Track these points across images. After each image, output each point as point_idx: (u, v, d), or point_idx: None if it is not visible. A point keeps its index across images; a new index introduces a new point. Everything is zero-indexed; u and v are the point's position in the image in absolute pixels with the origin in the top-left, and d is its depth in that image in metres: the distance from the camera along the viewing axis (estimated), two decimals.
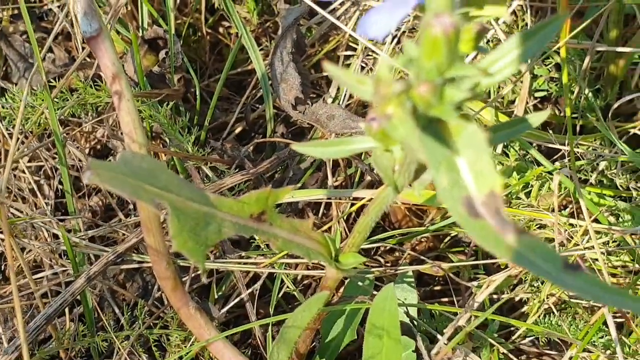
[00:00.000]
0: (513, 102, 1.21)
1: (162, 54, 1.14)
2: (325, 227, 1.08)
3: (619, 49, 1.13)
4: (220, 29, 1.36)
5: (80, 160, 1.11)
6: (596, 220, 1.03)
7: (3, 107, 1.13)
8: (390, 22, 0.57)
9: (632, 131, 1.17)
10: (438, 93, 0.49)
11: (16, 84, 1.22)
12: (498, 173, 0.50)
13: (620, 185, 1.10)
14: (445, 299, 1.12)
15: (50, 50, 1.23)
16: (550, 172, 1.06)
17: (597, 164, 1.12)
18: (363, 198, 1.05)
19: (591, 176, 1.12)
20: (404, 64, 0.51)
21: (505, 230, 0.49)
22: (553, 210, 1.02)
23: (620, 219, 1.08)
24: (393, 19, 0.58)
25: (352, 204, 1.11)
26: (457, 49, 0.49)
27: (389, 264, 1.15)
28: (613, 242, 1.04)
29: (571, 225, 1.04)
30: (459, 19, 0.47)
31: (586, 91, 1.18)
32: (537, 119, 0.65)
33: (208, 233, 0.68)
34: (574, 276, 0.48)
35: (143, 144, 0.85)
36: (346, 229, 1.12)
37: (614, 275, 1.06)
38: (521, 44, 0.53)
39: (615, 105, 1.15)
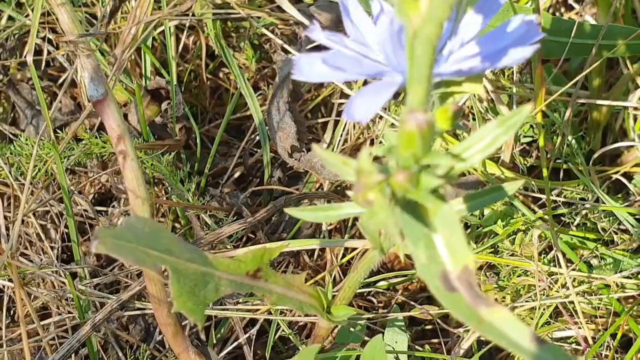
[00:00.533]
0: (500, 147, 1.26)
1: (164, 105, 1.19)
2: (318, 277, 1.13)
3: (599, 102, 1.18)
4: (221, 74, 1.41)
5: (85, 211, 1.16)
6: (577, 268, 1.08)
7: (11, 153, 1.18)
8: (373, 106, 0.62)
9: (614, 176, 1.22)
10: (414, 180, 0.53)
11: (24, 131, 1.27)
12: (471, 250, 0.54)
13: (602, 229, 1.15)
14: (436, 340, 1.16)
15: (56, 97, 1.28)
16: (532, 222, 1.11)
17: (580, 209, 1.16)
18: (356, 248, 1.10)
19: (574, 220, 1.17)
20: (384, 152, 0.56)
21: (478, 303, 0.53)
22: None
23: (603, 262, 1.13)
24: (376, 103, 0.62)
25: (346, 251, 1.16)
26: (431, 139, 0.54)
27: (381, 304, 1.19)
28: (594, 286, 1.08)
29: (552, 272, 1.08)
30: (432, 115, 0.52)
31: (570, 137, 1.22)
32: (511, 187, 0.70)
33: (206, 292, 0.72)
34: (542, 349, 0.52)
35: (145, 199, 0.90)
36: (340, 273, 1.17)
37: (594, 317, 1.10)
38: (494, 130, 0.58)
39: (599, 153, 1.20)
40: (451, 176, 0.56)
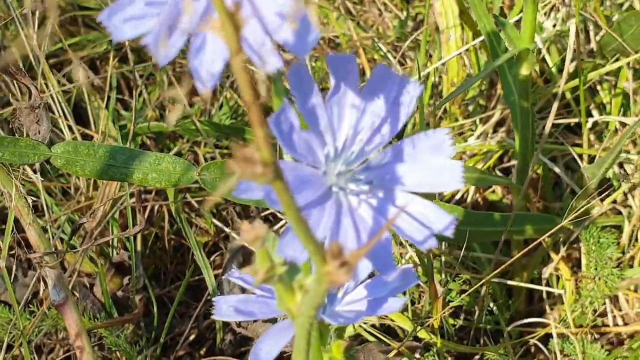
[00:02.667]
0: (429, 312, 1.38)
1: (126, 280, 1.32)
2: None
3: (510, 282, 1.32)
4: (183, 233, 1.54)
5: None
6: None
7: None
8: (276, 347, 0.75)
9: (532, 341, 1.34)
10: None
11: (1, 296, 1.39)
12: None
13: None
14: None
15: (31, 267, 1.41)
16: None
17: None
18: None
19: None
20: None
21: None
22: None
23: None
24: (279, 344, 0.75)
25: None
26: None
27: None
28: None
29: None
30: None
31: (491, 304, 1.36)
32: None
33: None
34: None
35: None
36: None
37: None
38: None
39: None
40: None
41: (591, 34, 1.44)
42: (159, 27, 0.51)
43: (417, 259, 1.32)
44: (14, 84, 1.52)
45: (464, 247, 1.21)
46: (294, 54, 0.54)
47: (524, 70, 1.14)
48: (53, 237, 1.23)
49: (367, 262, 0.68)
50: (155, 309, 1.36)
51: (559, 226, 1.18)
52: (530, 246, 1.22)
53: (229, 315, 0.78)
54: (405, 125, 0.73)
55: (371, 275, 0.81)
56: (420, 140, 0.69)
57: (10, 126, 1.47)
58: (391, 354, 1.20)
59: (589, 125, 1.40)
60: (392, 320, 1.34)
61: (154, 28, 0.52)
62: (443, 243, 1.35)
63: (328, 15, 1.71)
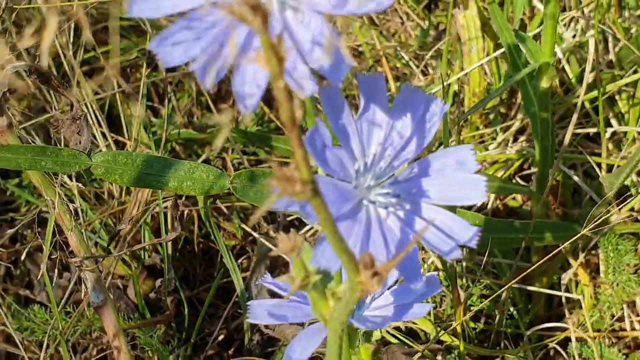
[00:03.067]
0: (450, 315, 1.42)
1: (158, 282, 1.37)
2: None
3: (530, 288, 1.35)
4: (212, 237, 1.59)
5: None
6: None
7: (25, 318, 1.35)
8: (309, 348, 0.79)
9: (551, 345, 1.37)
10: None
11: (37, 296, 1.44)
12: None
13: None
14: None
15: (66, 269, 1.46)
16: None
17: None
18: None
19: None
20: None
21: None
22: None
23: None
24: (312, 345, 0.79)
25: None
26: None
27: None
28: None
29: None
30: None
31: (511, 308, 1.39)
32: None
33: None
34: None
35: None
36: None
37: None
38: None
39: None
40: None
41: (610, 45, 1.47)
42: (207, 58, 0.55)
43: (439, 265, 1.36)
44: (48, 92, 1.57)
45: (486, 253, 1.24)
46: (329, 81, 0.58)
47: (544, 83, 1.17)
48: (90, 241, 1.28)
49: (395, 272, 0.71)
50: (185, 310, 1.40)
51: (579, 235, 1.22)
52: (551, 254, 1.25)
53: (263, 318, 0.82)
54: (431, 141, 0.77)
55: (396, 282, 0.85)
56: (445, 156, 0.73)
57: (50, 134, 1.54)
58: (415, 357, 1.24)
59: (607, 135, 1.43)
60: (414, 323, 1.38)
61: (201, 57, 0.56)
62: (464, 249, 1.38)
63: (351, 24, 1.75)
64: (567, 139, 1.26)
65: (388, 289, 0.84)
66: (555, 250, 1.25)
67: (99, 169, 1.02)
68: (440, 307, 1.42)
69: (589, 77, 1.32)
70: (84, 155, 1.01)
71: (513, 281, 1.26)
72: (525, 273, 1.23)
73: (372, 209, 0.69)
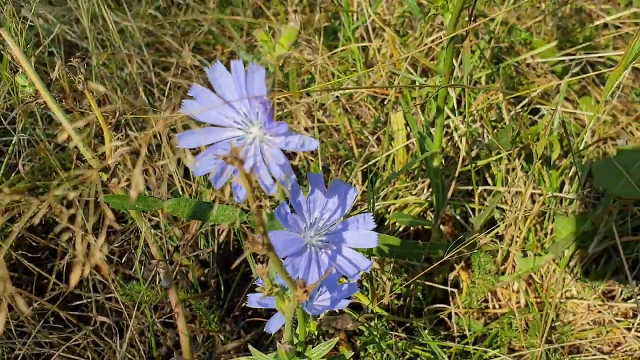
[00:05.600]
0: (381, 297, 1.51)
1: (206, 271, 1.48)
2: None
3: None
4: (241, 244, 1.69)
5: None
6: None
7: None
8: (278, 325, 0.89)
9: (441, 316, 1.46)
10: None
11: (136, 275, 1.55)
12: None
13: None
14: None
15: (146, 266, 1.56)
16: None
17: None
18: None
19: None
20: None
21: None
22: None
23: None
24: (280, 323, 0.89)
25: None
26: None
27: None
28: None
29: None
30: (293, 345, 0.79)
31: (419, 294, 1.48)
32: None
33: None
34: None
35: (186, 335, 1.17)
36: None
37: None
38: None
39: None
40: None
41: (485, 134, 1.57)
42: (217, 172, 0.67)
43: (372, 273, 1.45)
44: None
45: (402, 259, 1.33)
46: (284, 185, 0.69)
47: (435, 163, 1.28)
48: (169, 244, 1.39)
49: (323, 288, 0.82)
50: (222, 287, 1.51)
51: (456, 251, 1.31)
52: (442, 260, 1.34)
53: (254, 304, 0.93)
54: (350, 210, 0.87)
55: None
56: (357, 218, 0.83)
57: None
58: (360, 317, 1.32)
59: (478, 191, 1.52)
60: (359, 300, 1.47)
61: (215, 172, 0.67)
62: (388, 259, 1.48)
63: (334, 112, 1.85)
64: (450, 193, 1.36)
65: (325, 292, 0.94)
66: (445, 259, 1.33)
67: (170, 209, 1.14)
68: (377, 291, 1.51)
69: (472, 154, 1.41)
70: (160, 200, 1.12)
71: (419, 275, 1.35)
72: (426, 271, 1.31)
73: (313, 249, 0.80)
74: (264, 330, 0.89)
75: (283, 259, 0.76)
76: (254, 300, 0.92)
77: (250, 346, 0.89)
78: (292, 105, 1.82)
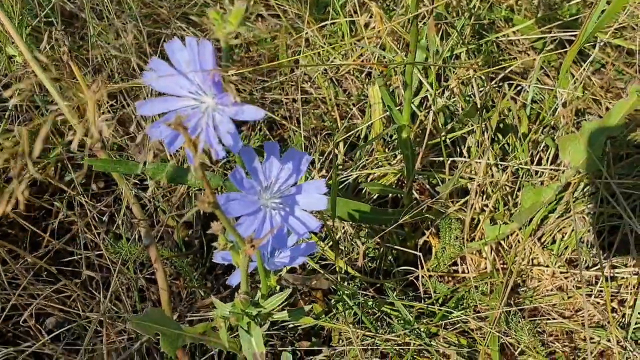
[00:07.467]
0: (356, 259, 1.58)
1: (190, 231, 1.55)
2: None
3: None
4: None
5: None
6: None
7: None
8: (237, 279, 0.96)
9: (410, 278, 1.53)
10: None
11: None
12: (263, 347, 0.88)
13: None
14: None
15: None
16: None
17: None
18: None
19: None
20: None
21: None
22: None
23: None
24: (238, 278, 0.97)
25: None
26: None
27: None
28: None
29: None
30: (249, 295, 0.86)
31: (390, 257, 1.55)
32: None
33: (178, 343, 1.06)
34: None
35: (165, 290, 1.25)
36: None
37: None
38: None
39: None
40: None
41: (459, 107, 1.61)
42: (171, 137, 0.73)
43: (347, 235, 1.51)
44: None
45: (379, 225, 1.38)
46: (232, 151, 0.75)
47: (404, 134, 1.32)
48: (154, 208, 1.46)
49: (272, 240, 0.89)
50: (205, 247, 1.58)
51: (424, 216, 1.36)
52: (411, 224, 1.39)
53: (219, 260, 0.99)
54: (303, 175, 0.92)
55: (295, 244, 1.01)
56: (310, 184, 0.89)
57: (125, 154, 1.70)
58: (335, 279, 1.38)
59: (448, 162, 1.57)
60: (334, 262, 1.54)
61: (168, 137, 0.73)
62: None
63: (321, 84, 1.89)
64: (421, 164, 1.41)
65: (287, 249, 1.00)
66: (412, 223, 1.39)
67: (150, 172, 1.20)
68: (352, 253, 1.57)
69: (447, 127, 1.45)
70: (141, 164, 1.19)
71: (391, 244, 1.41)
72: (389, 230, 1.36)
73: (267, 210, 0.86)
74: (226, 282, 0.96)
75: (239, 217, 0.82)
76: (219, 257, 0.99)
77: (213, 297, 0.96)
78: (281, 77, 1.87)
